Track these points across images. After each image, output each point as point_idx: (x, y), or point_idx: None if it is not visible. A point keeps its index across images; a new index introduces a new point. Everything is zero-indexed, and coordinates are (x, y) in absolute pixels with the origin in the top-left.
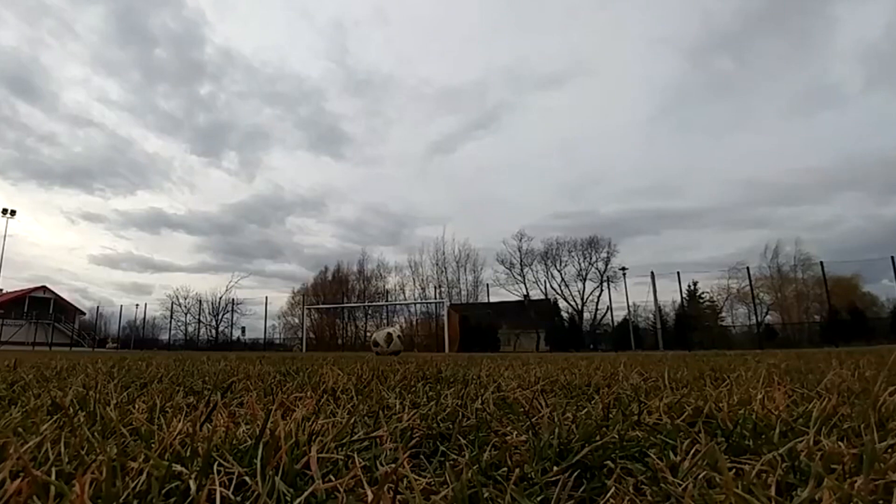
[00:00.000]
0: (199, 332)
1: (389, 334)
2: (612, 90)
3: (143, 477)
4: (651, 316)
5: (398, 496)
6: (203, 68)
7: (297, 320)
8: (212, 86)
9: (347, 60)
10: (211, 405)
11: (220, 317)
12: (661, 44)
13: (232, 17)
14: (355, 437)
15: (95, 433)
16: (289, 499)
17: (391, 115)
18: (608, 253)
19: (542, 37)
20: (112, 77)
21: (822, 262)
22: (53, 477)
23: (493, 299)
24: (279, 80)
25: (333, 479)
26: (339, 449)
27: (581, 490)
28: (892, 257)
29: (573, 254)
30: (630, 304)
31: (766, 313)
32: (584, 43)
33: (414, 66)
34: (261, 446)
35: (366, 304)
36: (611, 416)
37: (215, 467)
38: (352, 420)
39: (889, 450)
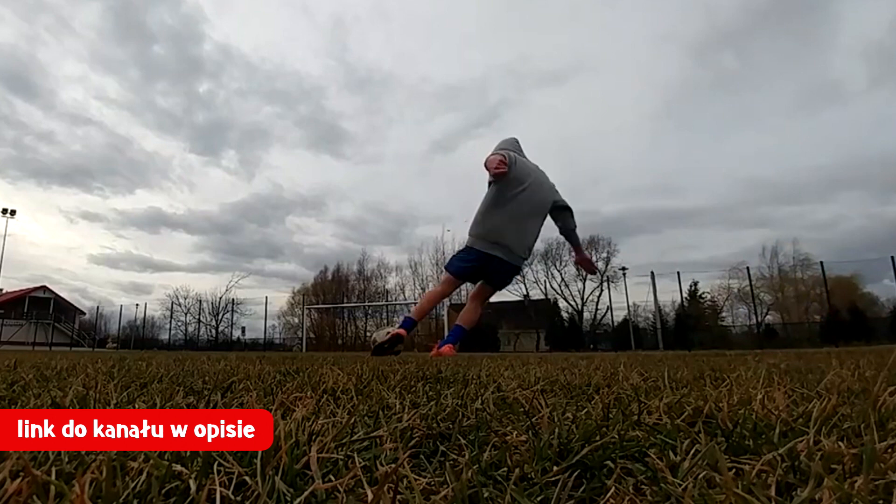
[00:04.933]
0: (199, 332)
1: (389, 332)
2: (614, 88)
3: (143, 477)
4: (651, 316)
5: (398, 496)
6: (202, 65)
7: (297, 320)
8: (211, 83)
9: (348, 58)
10: (211, 405)
11: (220, 317)
12: (663, 41)
13: (231, 14)
14: (355, 437)
15: None
16: (289, 498)
17: (392, 114)
18: (608, 252)
19: (544, 34)
20: (110, 74)
21: (821, 262)
22: (53, 477)
23: (492, 299)
24: (279, 77)
25: (333, 478)
26: (339, 449)
27: (581, 490)
28: (893, 257)
29: (573, 253)
30: (630, 303)
31: (766, 313)
32: (586, 40)
33: (415, 63)
34: None
35: (366, 304)
36: (611, 416)
37: (215, 467)
38: (352, 420)
39: (889, 450)
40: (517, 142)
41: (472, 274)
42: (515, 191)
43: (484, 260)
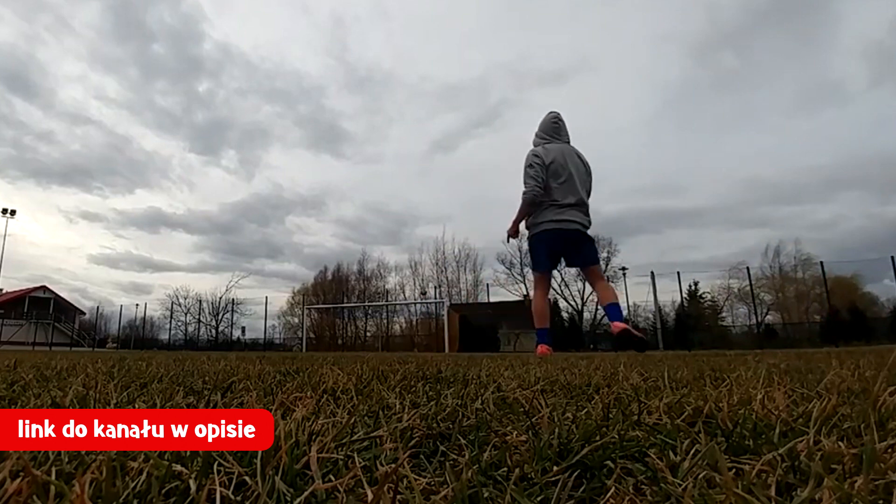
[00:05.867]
0: (199, 331)
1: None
2: (615, 87)
3: (143, 477)
4: (651, 316)
5: (398, 496)
6: (201, 64)
7: (297, 320)
8: (210, 82)
9: (347, 57)
10: (211, 405)
11: (220, 317)
12: (664, 40)
13: (231, 13)
14: (355, 437)
15: None
16: (289, 498)
17: (392, 113)
18: (609, 252)
19: (545, 33)
20: (110, 74)
21: (821, 262)
22: (53, 477)
23: (493, 299)
24: (278, 76)
25: (333, 478)
26: (339, 449)
27: (581, 490)
28: (893, 257)
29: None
30: (630, 303)
31: (767, 313)
32: (587, 39)
33: (415, 62)
34: None
35: (366, 304)
36: (611, 416)
37: (215, 467)
38: (352, 420)
39: (889, 450)
40: (555, 122)
41: (555, 259)
42: (557, 182)
43: (560, 238)
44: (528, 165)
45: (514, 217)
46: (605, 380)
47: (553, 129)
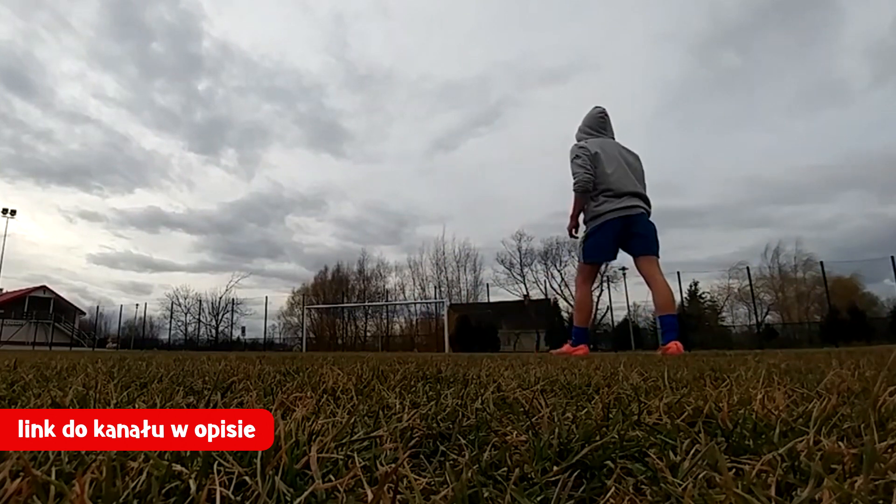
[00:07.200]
0: (199, 331)
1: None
2: (616, 86)
3: (143, 477)
4: (651, 316)
5: (398, 496)
6: (201, 63)
7: (297, 320)
8: (209, 81)
9: (347, 55)
10: (211, 405)
11: (220, 317)
12: (665, 39)
13: (230, 10)
14: (355, 437)
15: None
16: (289, 498)
17: (392, 112)
18: None
19: (546, 32)
20: (108, 72)
21: (821, 262)
22: (53, 477)
23: (493, 299)
24: (278, 74)
25: (333, 478)
26: (339, 449)
27: (581, 490)
28: (893, 257)
29: (573, 253)
30: (630, 304)
31: (767, 313)
32: (588, 38)
33: (415, 61)
34: None
35: (366, 304)
36: (611, 416)
37: (215, 467)
38: (352, 420)
39: (889, 450)
40: (601, 117)
41: (612, 251)
42: (609, 172)
43: (620, 225)
44: (575, 157)
45: (570, 212)
46: (605, 380)
47: (598, 123)
